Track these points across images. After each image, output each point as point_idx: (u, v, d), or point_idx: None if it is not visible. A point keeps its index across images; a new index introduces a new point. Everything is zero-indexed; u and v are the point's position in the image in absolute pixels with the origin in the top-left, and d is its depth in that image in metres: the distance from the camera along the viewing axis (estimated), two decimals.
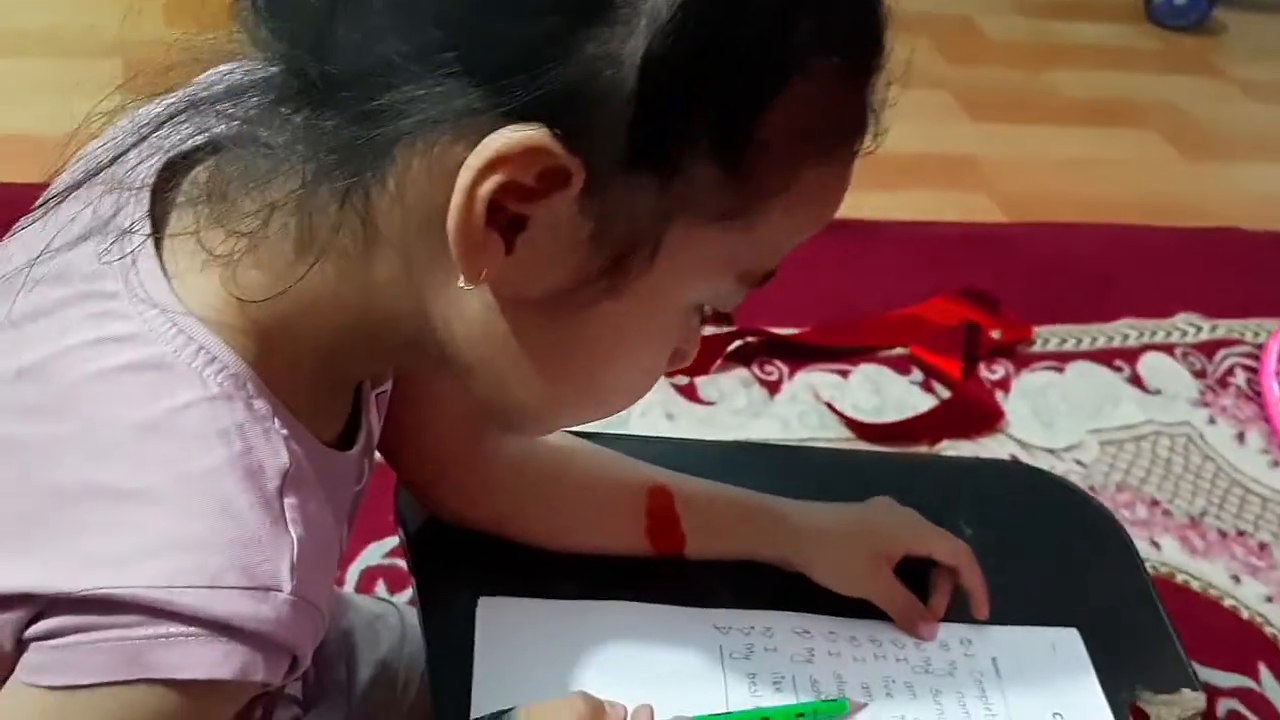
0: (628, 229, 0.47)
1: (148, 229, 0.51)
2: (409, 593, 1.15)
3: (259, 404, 0.49)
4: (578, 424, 0.60)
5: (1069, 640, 0.78)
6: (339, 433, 0.57)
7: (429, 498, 0.76)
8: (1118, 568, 0.86)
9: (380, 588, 1.20)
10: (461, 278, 0.47)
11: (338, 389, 0.57)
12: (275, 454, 0.49)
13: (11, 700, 0.48)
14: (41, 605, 0.47)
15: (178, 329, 0.49)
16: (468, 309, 0.50)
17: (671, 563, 0.77)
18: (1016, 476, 0.95)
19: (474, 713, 0.67)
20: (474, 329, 0.50)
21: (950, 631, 0.77)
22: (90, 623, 0.46)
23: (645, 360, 0.54)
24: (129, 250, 0.50)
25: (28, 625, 0.47)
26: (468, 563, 0.76)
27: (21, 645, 0.48)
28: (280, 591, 0.47)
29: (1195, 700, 0.77)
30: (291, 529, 0.48)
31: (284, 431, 0.50)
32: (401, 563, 1.28)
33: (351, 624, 0.83)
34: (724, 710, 0.69)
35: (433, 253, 0.48)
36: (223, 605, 0.46)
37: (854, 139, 0.50)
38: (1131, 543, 0.88)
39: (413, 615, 0.85)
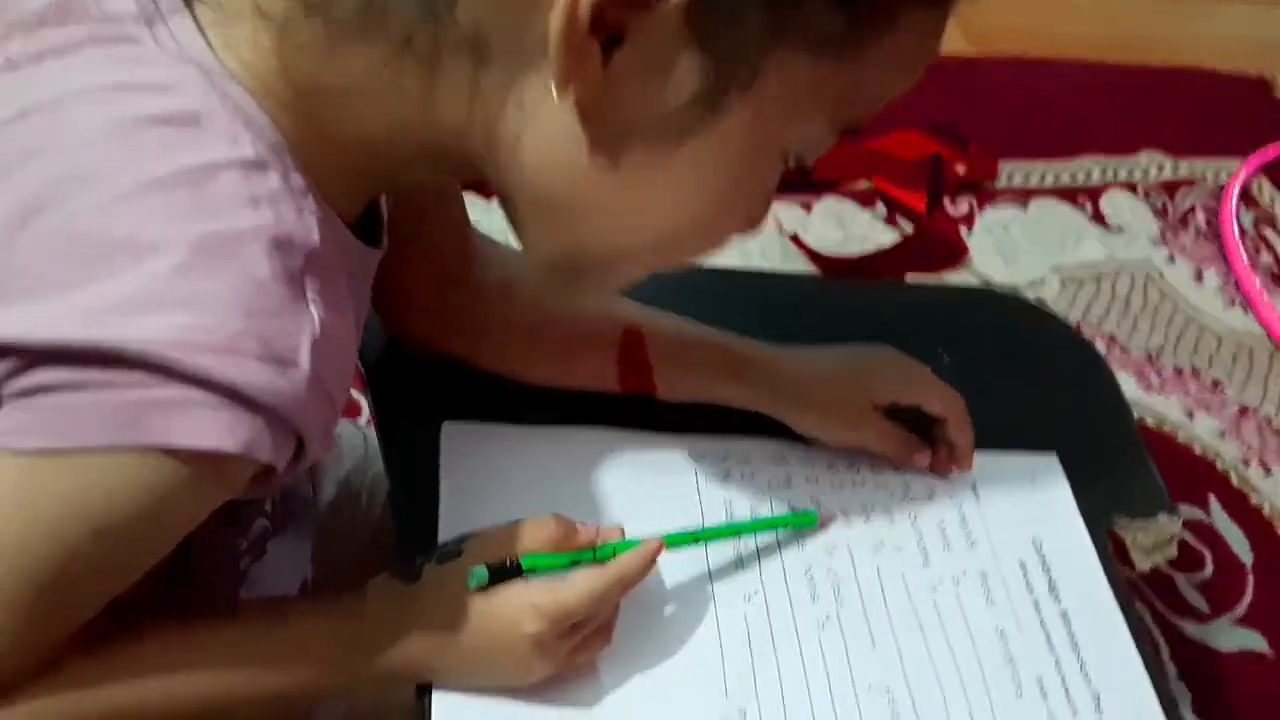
0: (730, 50, 0.44)
1: None
2: (364, 417, 1.12)
3: (295, 177, 0.45)
4: (635, 277, 0.55)
5: (1049, 466, 0.77)
6: (357, 219, 0.53)
7: (398, 317, 0.72)
8: (1095, 395, 0.85)
9: None
10: (553, 87, 0.44)
11: (368, 184, 0.52)
12: (307, 232, 0.45)
13: None
14: (29, 358, 0.42)
15: (213, 86, 0.44)
16: (546, 128, 0.46)
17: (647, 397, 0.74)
18: (993, 303, 0.93)
19: (440, 539, 0.64)
20: (548, 153, 0.46)
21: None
22: (84, 379, 0.41)
23: (723, 209, 0.50)
24: None
25: (7, 380, 0.42)
26: (428, 394, 0.73)
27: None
28: (297, 368, 0.43)
29: (1171, 525, 0.77)
30: (312, 308, 0.44)
31: (318, 213, 0.46)
32: (354, 394, 1.25)
33: None
34: (698, 528, 0.67)
35: (514, 61, 0.44)
36: (237, 371, 0.42)
37: None
38: (1109, 370, 0.87)
39: (374, 437, 0.82)
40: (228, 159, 0.43)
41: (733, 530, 0.67)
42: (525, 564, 0.56)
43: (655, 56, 0.44)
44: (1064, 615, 0.69)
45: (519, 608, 0.55)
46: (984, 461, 0.76)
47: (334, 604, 0.56)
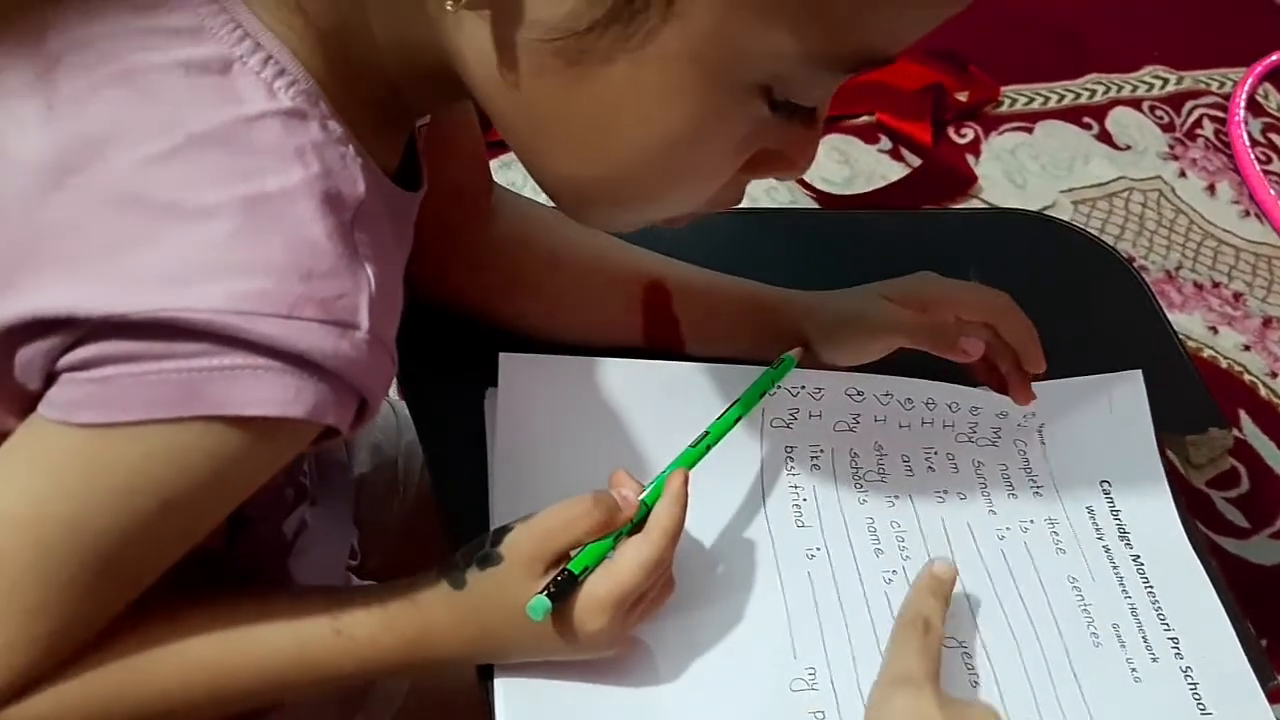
0: None
1: None
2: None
3: (333, 125, 0.43)
4: (626, 216, 0.50)
5: (1130, 388, 0.71)
6: (395, 171, 0.51)
7: (418, 270, 0.69)
8: (1135, 312, 0.82)
9: None
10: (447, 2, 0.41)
11: (396, 122, 0.50)
12: (353, 182, 0.43)
13: (38, 444, 0.42)
14: (82, 331, 0.40)
15: (243, 31, 0.42)
16: (472, 44, 0.43)
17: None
18: (1021, 225, 0.90)
19: (493, 485, 0.62)
20: (481, 70, 0.43)
21: (998, 399, 0.70)
22: (141, 350, 0.40)
23: (694, 147, 0.44)
24: None
25: (61, 355, 0.41)
26: (453, 361, 0.70)
27: (51, 379, 0.42)
28: (358, 330, 0.42)
29: (1224, 439, 0.74)
30: (366, 265, 0.43)
31: (359, 160, 0.44)
32: None
33: None
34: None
35: None
36: (302, 338, 0.40)
37: None
38: (1145, 283, 0.85)
39: (403, 408, 0.80)
40: (266, 110, 0.41)
41: (732, 418, 0.61)
42: (577, 570, 0.51)
43: None
44: (1136, 560, 0.66)
45: (578, 610, 0.52)
46: (1063, 389, 0.71)
47: (387, 600, 0.53)
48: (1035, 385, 0.71)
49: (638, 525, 0.54)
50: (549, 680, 0.56)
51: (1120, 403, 0.72)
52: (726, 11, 0.40)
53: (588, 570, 0.52)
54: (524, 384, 0.65)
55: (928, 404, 0.70)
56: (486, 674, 0.56)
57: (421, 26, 0.44)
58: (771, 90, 0.43)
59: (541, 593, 0.51)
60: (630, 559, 0.52)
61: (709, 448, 0.60)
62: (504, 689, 0.55)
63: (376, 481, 0.78)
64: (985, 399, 0.71)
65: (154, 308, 0.39)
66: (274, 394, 0.41)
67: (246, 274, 0.40)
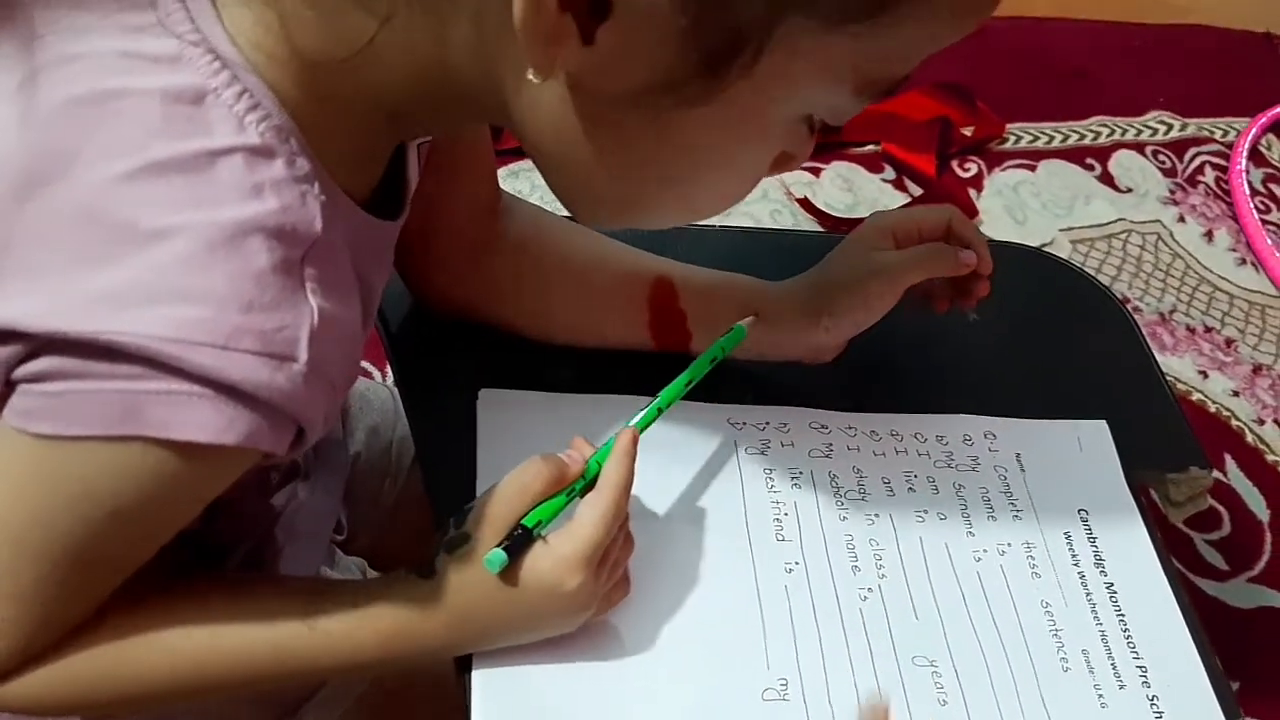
0: (730, 25, 0.41)
1: None
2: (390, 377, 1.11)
3: (301, 163, 0.44)
4: (662, 225, 0.54)
5: (1096, 433, 0.74)
6: (373, 188, 0.52)
7: (424, 276, 0.71)
8: (1123, 349, 0.83)
9: None
10: (530, 72, 0.42)
11: (381, 150, 0.51)
12: (310, 221, 0.44)
13: (3, 449, 0.44)
14: (35, 344, 0.42)
15: (221, 64, 0.43)
16: (541, 99, 0.44)
17: (676, 359, 0.72)
18: (1015, 258, 0.91)
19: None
20: (548, 122, 0.45)
21: (974, 424, 0.74)
22: (86, 369, 0.41)
23: (740, 169, 0.48)
24: None
25: (18, 365, 0.43)
26: (453, 361, 0.72)
27: (11, 385, 0.43)
28: (295, 362, 0.43)
29: (1204, 478, 0.75)
30: (311, 299, 0.44)
31: (322, 198, 0.45)
32: (367, 365, 1.24)
33: None
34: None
35: (508, 26, 0.41)
36: (236, 369, 0.42)
37: None
38: (1136, 323, 0.86)
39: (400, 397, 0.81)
40: (233, 145, 0.43)
41: (684, 382, 0.64)
42: (531, 524, 0.54)
43: (644, 31, 0.41)
44: (1110, 587, 0.68)
45: (551, 570, 0.54)
46: (1030, 429, 0.74)
47: (361, 596, 0.54)
48: (1007, 421, 0.74)
49: (590, 485, 0.57)
50: (526, 667, 0.57)
51: (1089, 444, 0.74)
52: (801, 65, 0.43)
53: (541, 525, 0.55)
54: (503, 420, 0.67)
55: (894, 434, 0.72)
56: (464, 667, 0.57)
57: (464, 61, 0.45)
58: (812, 115, 0.47)
59: (498, 547, 0.53)
60: (588, 515, 0.55)
61: (660, 410, 0.62)
62: (481, 680, 0.56)
63: (371, 462, 0.79)
64: (948, 426, 0.73)
65: (92, 329, 0.41)
66: (208, 421, 0.42)
67: (185, 301, 0.41)
